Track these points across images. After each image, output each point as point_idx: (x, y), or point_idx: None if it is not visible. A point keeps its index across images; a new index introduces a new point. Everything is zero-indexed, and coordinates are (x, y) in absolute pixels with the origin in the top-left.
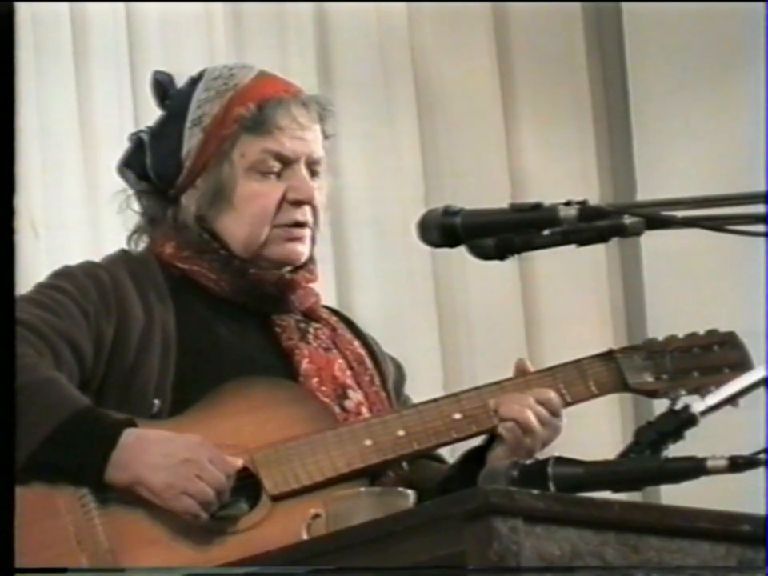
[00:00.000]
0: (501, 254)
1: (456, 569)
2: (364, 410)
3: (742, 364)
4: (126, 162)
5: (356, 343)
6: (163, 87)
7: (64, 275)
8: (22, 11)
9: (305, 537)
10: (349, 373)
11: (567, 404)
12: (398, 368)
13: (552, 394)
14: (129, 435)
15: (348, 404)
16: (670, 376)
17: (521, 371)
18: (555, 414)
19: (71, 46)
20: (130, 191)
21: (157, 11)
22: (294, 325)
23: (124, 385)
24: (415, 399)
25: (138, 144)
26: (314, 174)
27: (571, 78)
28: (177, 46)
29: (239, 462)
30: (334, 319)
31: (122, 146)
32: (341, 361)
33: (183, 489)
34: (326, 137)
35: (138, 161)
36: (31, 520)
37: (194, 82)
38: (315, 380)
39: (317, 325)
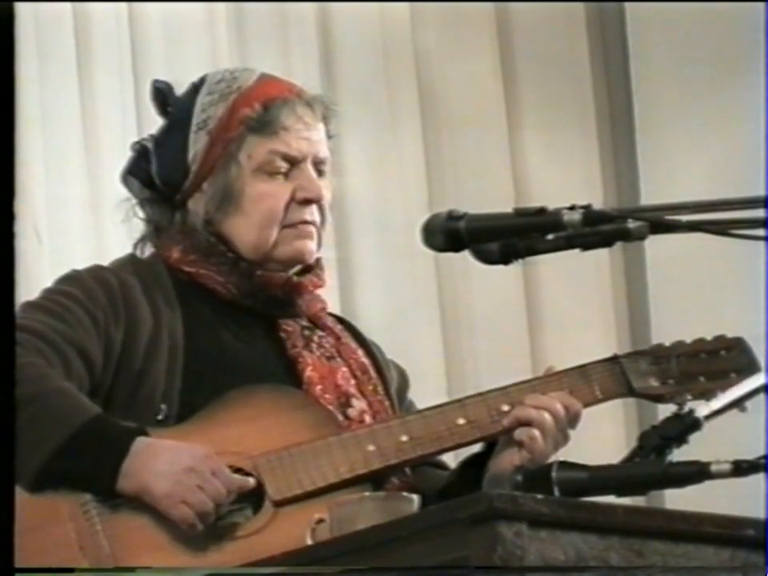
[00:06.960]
0: (505, 258)
1: (465, 568)
2: (367, 417)
3: (750, 369)
4: (130, 170)
5: (360, 352)
6: (163, 95)
7: (72, 280)
8: (25, 13)
9: (309, 542)
10: (353, 382)
11: None
12: (401, 374)
13: (579, 407)
14: (139, 444)
15: (351, 412)
16: (676, 381)
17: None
18: (573, 422)
19: (74, 49)
20: (134, 200)
21: (159, 13)
22: (299, 331)
23: (132, 390)
24: (418, 401)
25: (141, 152)
26: (320, 173)
27: (575, 82)
28: (179, 49)
29: (250, 482)
30: (338, 327)
31: (126, 150)
32: (344, 369)
33: (182, 498)
34: (329, 137)
35: (143, 168)
36: (34, 526)
37: (196, 87)
38: (319, 387)
39: (321, 333)
